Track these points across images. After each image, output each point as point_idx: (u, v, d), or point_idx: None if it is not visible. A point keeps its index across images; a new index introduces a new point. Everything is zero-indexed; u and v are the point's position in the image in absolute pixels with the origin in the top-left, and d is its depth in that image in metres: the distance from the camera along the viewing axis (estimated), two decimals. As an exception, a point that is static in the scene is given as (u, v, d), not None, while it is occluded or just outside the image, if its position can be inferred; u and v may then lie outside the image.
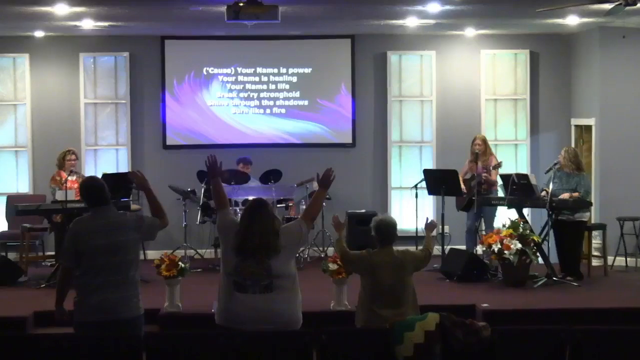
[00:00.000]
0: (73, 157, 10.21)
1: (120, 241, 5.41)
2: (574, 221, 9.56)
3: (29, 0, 9.07)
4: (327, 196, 10.81)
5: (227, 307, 5.40)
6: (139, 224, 5.51)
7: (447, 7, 9.64)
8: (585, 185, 9.53)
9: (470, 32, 11.92)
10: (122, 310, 5.39)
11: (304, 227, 5.55)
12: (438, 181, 10.37)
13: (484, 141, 10.59)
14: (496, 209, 10.43)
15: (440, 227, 10.28)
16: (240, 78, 12.12)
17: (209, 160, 5.65)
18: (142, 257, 10.55)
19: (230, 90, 12.13)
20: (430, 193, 10.76)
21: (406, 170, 12.27)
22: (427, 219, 6.54)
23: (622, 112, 11.29)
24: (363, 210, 11.56)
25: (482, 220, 10.43)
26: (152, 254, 10.61)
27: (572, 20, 10.56)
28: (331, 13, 10.35)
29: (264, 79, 12.15)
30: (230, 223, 5.51)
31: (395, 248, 6.15)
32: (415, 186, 10.88)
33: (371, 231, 6.19)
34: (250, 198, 8.58)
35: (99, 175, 9.73)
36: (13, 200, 11.00)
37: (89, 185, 5.62)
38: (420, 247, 6.58)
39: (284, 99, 12.17)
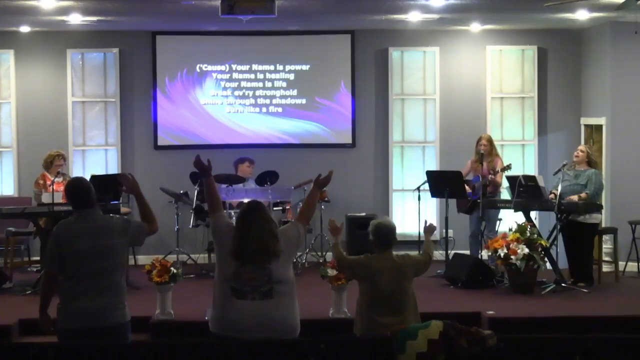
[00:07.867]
0: (62, 161, 10.17)
1: (105, 245, 5.34)
2: (585, 223, 9.50)
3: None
4: (327, 199, 10.82)
5: (224, 315, 5.30)
6: (126, 228, 5.45)
7: (452, 1, 9.59)
8: (595, 183, 9.50)
9: (475, 27, 11.82)
10: (107, 316, 5.33)
11: (301, 229, 5.53)
12: (442, 183, 10.33)
13: (490, 141, 10.57)
14: (499, 212, 10.35)
15: (444, 231, 10.39)
16: (235, 75, 11.97)
17: (195, 161, 5.60)
18: (132, 262, 10.73)
19: (225, 88, 11.99)
20: (433, 195, 10.69)
21: (408, 171, 12.14)
22: (426, 222, 6.55)
23: (634, 111, 11.17)
24: (363, 214, 11.48)
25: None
26: (143, 259, 10.92)
27: (581, 14, 10.48)
28: (330, 7, 10.25)
29: (260, 76, 12.00)
30: (225, 227, 5.42)
31: (394, 253, 6.12)
32: (418, 188, 10.78)
33: (369, 235, 6.16)
34: (246, 201, 8.64)
35: (87, 177, 9.61)
36: (-3, 203, 10.92)
37: (74, 186, 5.56)
38: (420, 252, 6.59)
39: (281, 97, 12.02)
